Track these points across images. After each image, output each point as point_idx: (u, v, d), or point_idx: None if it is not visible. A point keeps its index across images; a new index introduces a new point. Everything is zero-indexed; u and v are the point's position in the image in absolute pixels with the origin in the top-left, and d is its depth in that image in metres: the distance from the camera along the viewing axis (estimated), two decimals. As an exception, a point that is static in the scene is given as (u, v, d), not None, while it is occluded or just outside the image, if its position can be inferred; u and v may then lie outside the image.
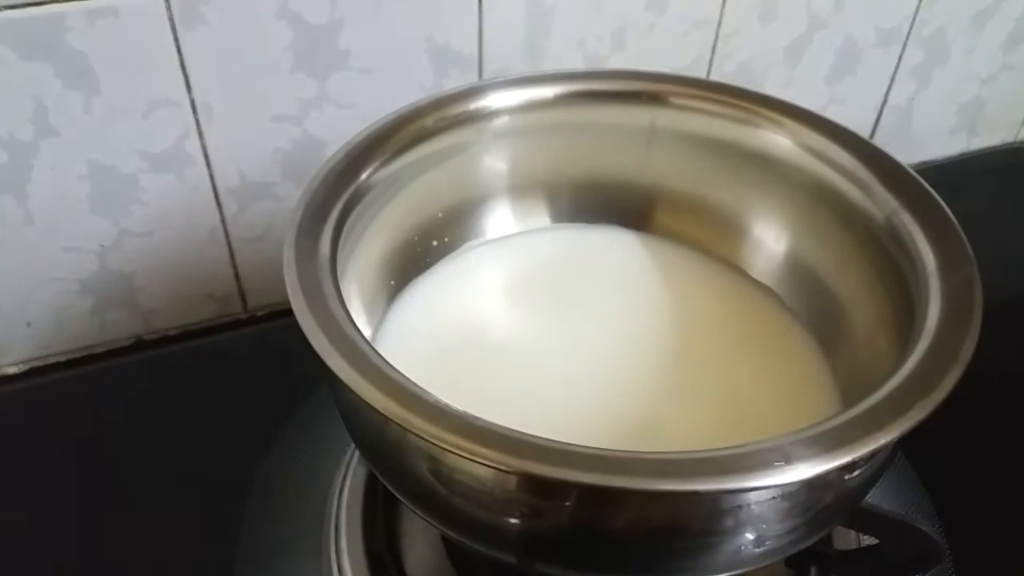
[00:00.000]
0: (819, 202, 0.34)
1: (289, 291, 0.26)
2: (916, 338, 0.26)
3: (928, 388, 0.24)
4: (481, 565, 0.35)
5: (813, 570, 0.35)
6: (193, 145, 0.47)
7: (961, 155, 0.73)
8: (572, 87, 0.36)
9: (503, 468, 0.22)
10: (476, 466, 0.23)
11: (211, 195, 0.49)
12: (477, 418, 0.23)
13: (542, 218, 0.39)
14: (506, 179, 0.38)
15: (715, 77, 0.58)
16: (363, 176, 0.31)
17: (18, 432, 0.47)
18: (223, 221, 0.51)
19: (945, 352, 0.25)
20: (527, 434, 0.22)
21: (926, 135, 0.69)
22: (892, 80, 0.64)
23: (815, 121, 0.35)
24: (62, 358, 0.52)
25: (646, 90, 0.36)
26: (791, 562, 0.35)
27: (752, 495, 0.23)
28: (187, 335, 0.54)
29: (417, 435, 0.22)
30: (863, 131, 0.65)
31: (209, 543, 0.40)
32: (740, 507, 0.24)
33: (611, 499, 0.23)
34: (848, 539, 0.36)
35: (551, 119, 0.37)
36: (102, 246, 0.48)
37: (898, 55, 0.63)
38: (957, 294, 0.27)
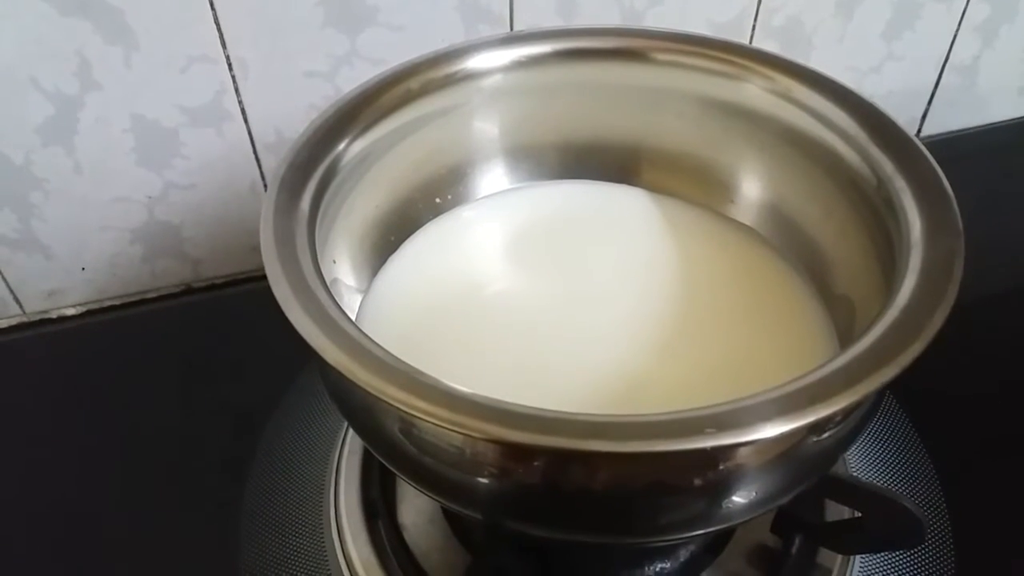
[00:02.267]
0: (812, 161, 0.34)
1: (263, 245, 0.27)
2: (887, 307, 0.25)
3: (889, 357, 0.23)
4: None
5: (798, 538, 0.34)
6: (230, 100, 0.48)
7: (1031, 117, 0.68)
8: (557, 46, 0.36)
9: (443, 425, 0.22)
10: (427, 424, 0.23)
11: (250, 150, 0.51)
12: (423, 374, 0.23)
13: (533, 175, 0.40)
14: (498, 139, 0.38)
15: (761, 33, 0.56)
16: (353, 134, 0.32)
17: (75, 366, 0.51)
18: (263, 176, 0.53)
19: (910, 326, 0.24)
20: (482, 396, 0.23)
21: (992, 96, 0.65)
22: (955, 36, 0.60)
23: (809, 77, 0.34)
24: (117, 302, 0.55)
25: (631, 47, 0.36)
26: (777, 529, 0.35)
27: (695, 457, 0.23)
28: (234, 283, 0.56)
29: (347, 376, 0.23)
30: (923, 91, 0.62)
31: (235, 462, 0.43)
32: (690, 468, 0.24)
33: (545, 459, 0.24)
34: (841, 512, 0.36)
35: (536, 78, 0.37)
36: (149, 197, 0.51)
37: (962, 10, 0.59)
38: (938, 266, 0.26)
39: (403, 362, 0.23)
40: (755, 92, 0.35)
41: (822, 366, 0.23)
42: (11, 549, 0.41)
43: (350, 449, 0.39)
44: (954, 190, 0.28)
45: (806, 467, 0.26)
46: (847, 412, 0.24)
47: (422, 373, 0.23)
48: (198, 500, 0.42)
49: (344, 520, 0.37)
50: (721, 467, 0.24)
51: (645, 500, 0.25)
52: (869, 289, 0.30)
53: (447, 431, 0.23)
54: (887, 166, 0.30)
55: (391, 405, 0.22)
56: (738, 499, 0.25)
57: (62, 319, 0.54)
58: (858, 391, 0.22)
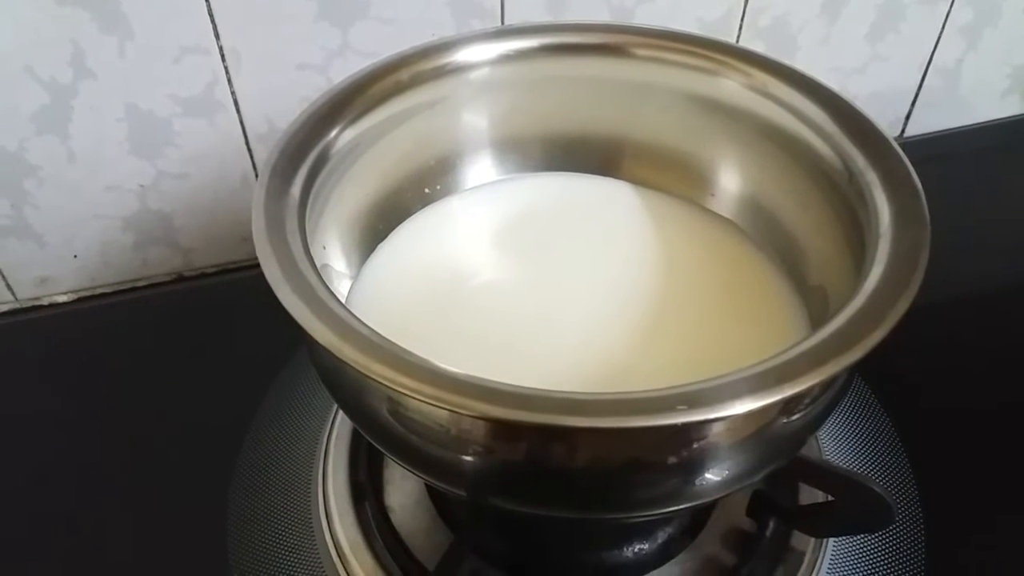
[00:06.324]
0: (789, 155, 0.35)
1: (254, 228, 0.27)
2: (855, 293, 0.26)
3: (854, 341, 0.24)
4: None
5: (773, 522, 0.35)
6: (223, 91, 0.49)
7: (1014, 118, 0.69)
8: (544, 40, 0.37)
9: (427, 400, 0.23)
10: (412, 401, 0.24)
11: (242, 141, 0.52)
12: (409, 353, 0.24)
13: (520, 167, 0.41)
14: (486, 131, 0.39)
15: (748, 32, 0.57)
16: (344, 122, 0.32)
17: (65, 353, 0.52)
18: (254, 166, 0.53)
19: (875, 312, 0.25)
20: (466, 374, 0.23)
21: (975, 97, 0.66)
22: (938, 39, 0.61)
23: (785, 74, 0.35)
24: (108, 290, 0.55)
25: (616, 43, 0.36)
26: (752, 513, 0.36)
27: (668, 433, 0.24)
28: (225, 272, 0.57)
29: (331, 352, 0.24)
30: (906, 92, 0.64)
31: (225, 446, 0.44)
32: (664, 445, 0.25)
33: (525, 435, 0.24)
34: (814, 496, 0.37)
35: (524, 72, 0.38)
36: (141, 186, 0.51)
37: (945, 12, 0.60)
38: (904, 256, 0.27)
39: (390, 341, 0.24)
40: (734, 88, 0.36)
41: (790, 348, 0.24)
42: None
43: (338, 434, 0.40)
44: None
45: (777, 447, 0.27)
46: (814, 393, 0.25)
47: (408, 352, 0.24)
48: (187, 484, 0.42)
49: (332, 503, 0.38)
50: (695, 444, 0.25)
51: (622, 476, 0.26)
52: (842, 280, 0.31)
53: (432, 407, 0.24)
54: (859, 160, 0.31)
55: (377, 382, 0.23)
56: (712, 476, 0.26)
57: (53, 306, 0.54)
58: (823, 372, 0.23)
